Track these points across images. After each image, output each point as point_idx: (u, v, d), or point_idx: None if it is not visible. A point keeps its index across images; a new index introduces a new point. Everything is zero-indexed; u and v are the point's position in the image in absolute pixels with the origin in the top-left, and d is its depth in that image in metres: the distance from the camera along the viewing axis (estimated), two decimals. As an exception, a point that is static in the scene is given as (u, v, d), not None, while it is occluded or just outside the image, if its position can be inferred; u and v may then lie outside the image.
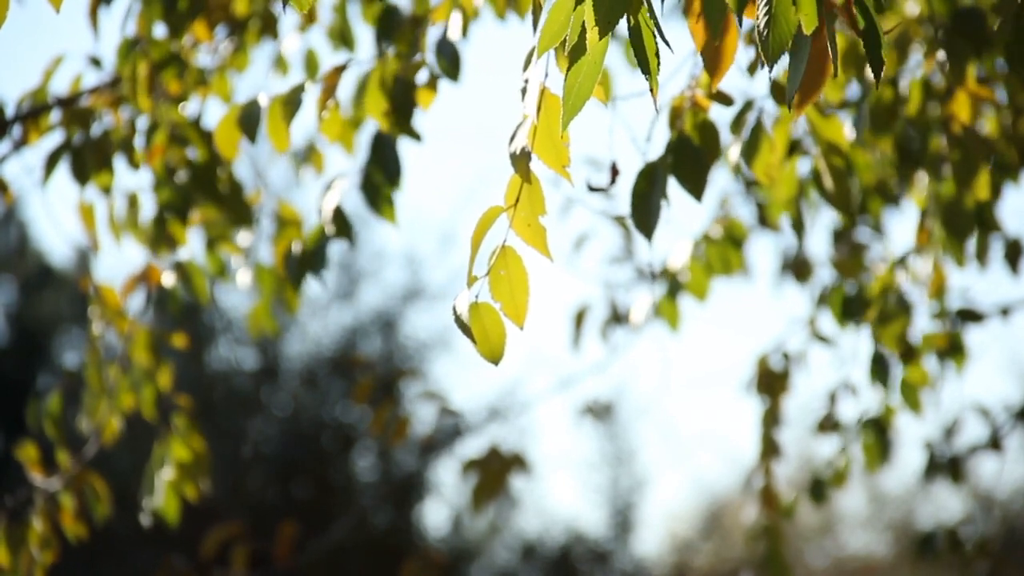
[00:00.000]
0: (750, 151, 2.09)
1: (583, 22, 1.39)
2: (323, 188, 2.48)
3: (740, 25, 1.44)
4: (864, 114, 2.27)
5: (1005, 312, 3.50)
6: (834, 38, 1.43)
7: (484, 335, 1.51)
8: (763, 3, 1.38)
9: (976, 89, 2.34)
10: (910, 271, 2.98)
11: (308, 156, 3.30)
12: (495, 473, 3.75)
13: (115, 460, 8.86)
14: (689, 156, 1.92)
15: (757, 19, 1.39)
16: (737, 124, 2.14)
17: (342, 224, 2.46)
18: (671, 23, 3.61)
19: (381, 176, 2.36)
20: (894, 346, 2.86)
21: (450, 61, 2.42)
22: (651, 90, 1.42)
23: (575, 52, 1.40)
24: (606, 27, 1.34)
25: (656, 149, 1.98)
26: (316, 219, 2.50)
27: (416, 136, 2.37)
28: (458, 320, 1.51)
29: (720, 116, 2.15)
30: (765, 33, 1.37)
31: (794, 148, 2.28)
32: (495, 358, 1.52)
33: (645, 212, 1.88)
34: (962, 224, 2.47)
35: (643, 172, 1.91)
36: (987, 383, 14.32)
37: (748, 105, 2.13)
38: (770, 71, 1.40)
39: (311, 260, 2.50)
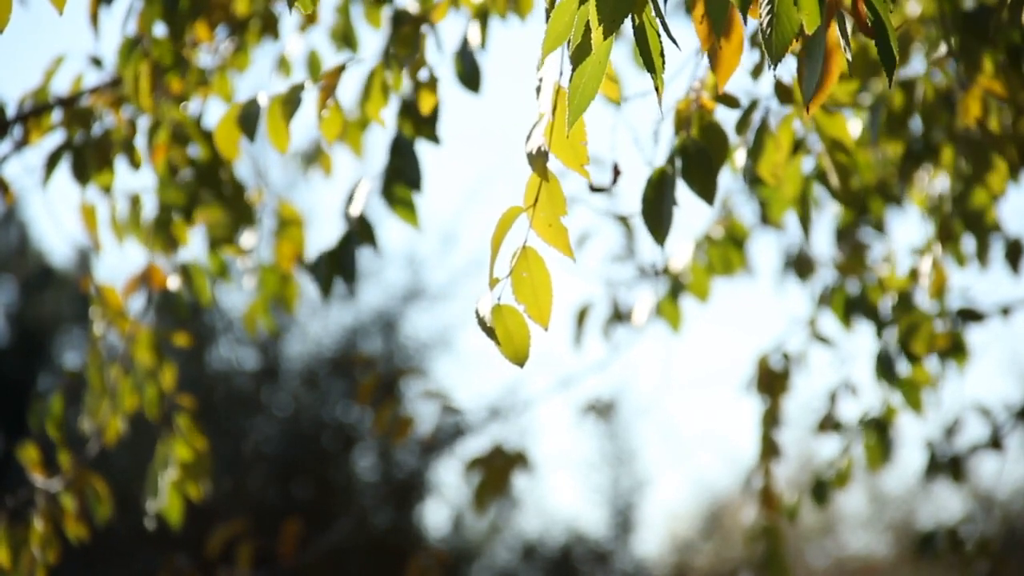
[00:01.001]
0: (756, 151, 2.08)
1: (587, 22, 1.38)
2: (345, 192, 2.48)
3: (745, 23, 1.43)
4: (878, 119, 2.26)
5: (1005, 312, 3.49)
6: (847, 36, 1.42)
7: (508, 337, 1.51)
8: (765, 2, 1.37)
9: (989, 84, 2.33)
10: (918, 272, 2.98)
11: (316, 157, 3.30)
12: (498, 471, 3.75)
13: (116, 460, 8.85)
14: (698, 160, 1.90)
15: (760, 19, 1.38)
16: (742, 125, 2.13)
17: (367, 231, 2.47)
18: (673, 21, 3.60)
19: (402, 180, 2.36)
20: (923, 348, 2.85)
21: (469, 71, 2.42)
22: (656, 89, 1.41)
23: (580, 52, 1.39)
24: (611, 26, 1.33)
25: (661, 150, 1.96)
26: (322, 221, 2.51)
27: (436, 139, 2.37)
28: (481, 322, 1.50)
29: (724, 116, 2.14)
30: (768, 32, 1.36)
31: (798, 146, 2.28)
32: (520, 360, 1.52)
33: (657, 218, 1.85)
34: (974, 220, 2.46)
35: (653, 178, 1.88)
36: (987, 383, 14.32)
37: (753, 105, 2.12)
38: (774, 71, 1.39)
39: (339, 266, 2.50)
